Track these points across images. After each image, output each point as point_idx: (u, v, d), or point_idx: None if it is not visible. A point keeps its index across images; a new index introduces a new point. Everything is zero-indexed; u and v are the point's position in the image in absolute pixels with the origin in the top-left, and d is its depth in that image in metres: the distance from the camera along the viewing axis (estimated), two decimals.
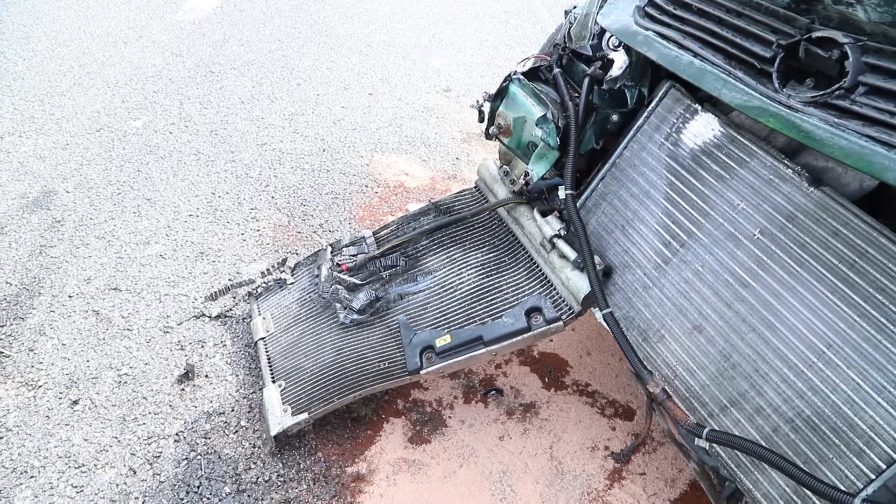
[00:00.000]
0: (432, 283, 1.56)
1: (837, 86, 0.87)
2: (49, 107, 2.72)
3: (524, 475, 1.49)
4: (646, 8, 1.20)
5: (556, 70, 1.46)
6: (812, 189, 1.10)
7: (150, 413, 1.57)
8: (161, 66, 3.10)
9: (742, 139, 1.20)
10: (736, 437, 1.08)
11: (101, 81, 2.91)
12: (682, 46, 1.11)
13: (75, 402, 1.58)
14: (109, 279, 1.93)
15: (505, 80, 1.48)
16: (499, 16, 4.03)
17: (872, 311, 1.01)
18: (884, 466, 0.97)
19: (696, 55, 1.08)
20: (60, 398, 1.58)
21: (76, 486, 1.41)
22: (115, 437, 1.51)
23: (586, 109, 1.40)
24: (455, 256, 1.58)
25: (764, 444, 1.09)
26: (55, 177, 2.32)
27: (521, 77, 1.46)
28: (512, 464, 1.51)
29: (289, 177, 2.41)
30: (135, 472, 1.45)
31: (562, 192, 1.35)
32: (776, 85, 0.95)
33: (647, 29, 1.18)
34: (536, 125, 1.37)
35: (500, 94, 1.49)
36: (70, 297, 1.86)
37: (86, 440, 1.50)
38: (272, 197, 2.30)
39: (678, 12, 1.14)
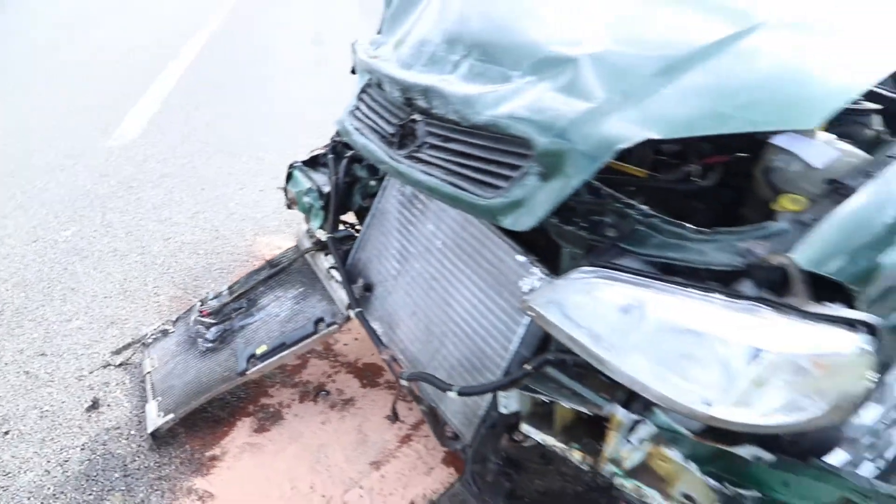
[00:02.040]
0: (263, 314, 2.17)
1: (414, 145, 1.53)
2: None
3: (336, 445, 2.05)
4: (352, 111, 1.88)
5: (330, 156, 2.13)
6: None
7: (63, 434, 2.13)
8: (90, 186, 3.77)
9: None
10: (421, 373, 1.67)
11: (38, 203, 3.56)
12: (362, 134, 1.77)
13: (6, 433, 2.13)
14: (38, 348, 2.51)
15: (290, 168, 2.16)
16: None
17: (495, 283, 1.62)
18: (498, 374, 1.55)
19: (366, 138, 1.74)
20: None
21: (3, 487, 1.95)
22: (36, 452, 2.06)
23: (346, 181, 2.06)
24: (278, 294, 2.20)
25: (447, 380, 1.68)
26: None
27: (300, 164, 2.14)
28: (328, 439, 2.08)
29: (186, 261, 3.03)
30: (49, 472, 1.99)
31: (322, 235, 2.00)
32: (395, 149, 1.60)
33: (351, 125, 1.85)
34: (305, 195, 2.03)
35: (289, 177, 2.17)
36: (6, 364, 2.43)
37: (13, 456, 2.05)
38: (171, 277, 2.92)
39: (363, 110, 1.82)
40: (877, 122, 1.50)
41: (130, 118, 4.80)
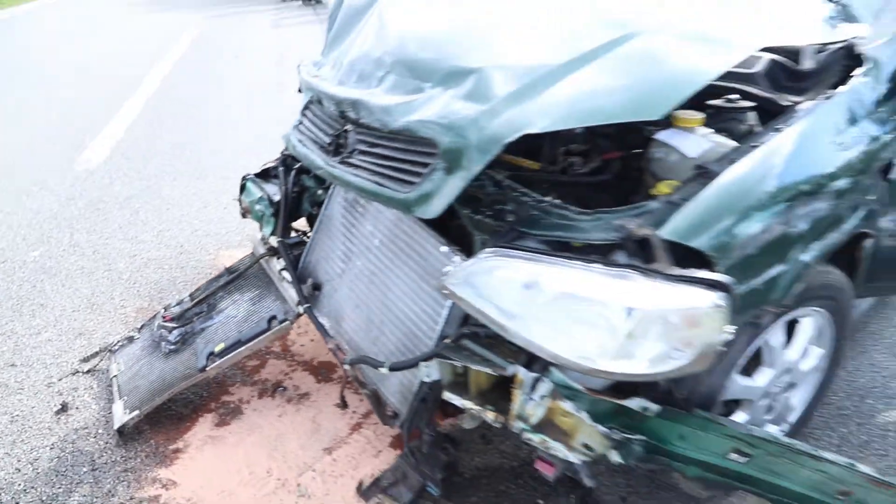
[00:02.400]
0: (222, 317, 2.33)
1: (346, 151, 1.72)
2: None
3: (292, 435, 2.21)
4: (296, 125, 2.06)
5: (280, 168, 2.31)
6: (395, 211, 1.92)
7: (33, 435, 2.26)
8: (57, 208, 3.91)
9: None
10: (360, 357, 1.84)
11: (5, 227, 3.69)
12: (304, 145, 1.96)
13: None
14: (8, 360, 2.63)
15: (243, 179, 2.33)
16: None
17: (424, 273, 1.80)
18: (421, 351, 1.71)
19: (307, 148, 1.93)
20: None
21: None
22: (7, 453, 2.19)
23: (295, 191, 2.24)
24: (236, 297, 2.37)
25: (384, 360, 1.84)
26: None
27: (253, 176, 2.32)
28: (284, 429, 2.23)
29: (152, 275, 3.18)
30: (19, 470, 2.12)
31: (273, 241, 2.18)
32: (331, 156, 1.79)
33: (295, 137, 2.03)
34: (257, 204, 2.21)
35: (242, 189, 2.34)
36: None
37: None
38: (137, 290, 3.06)
39: (306, 124, 2.01)
40: (751, 118, 1.72)
41: (96, 144, 4.94)
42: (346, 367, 1.88)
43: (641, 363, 1.28)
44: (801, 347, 1.87)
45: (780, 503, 1.64)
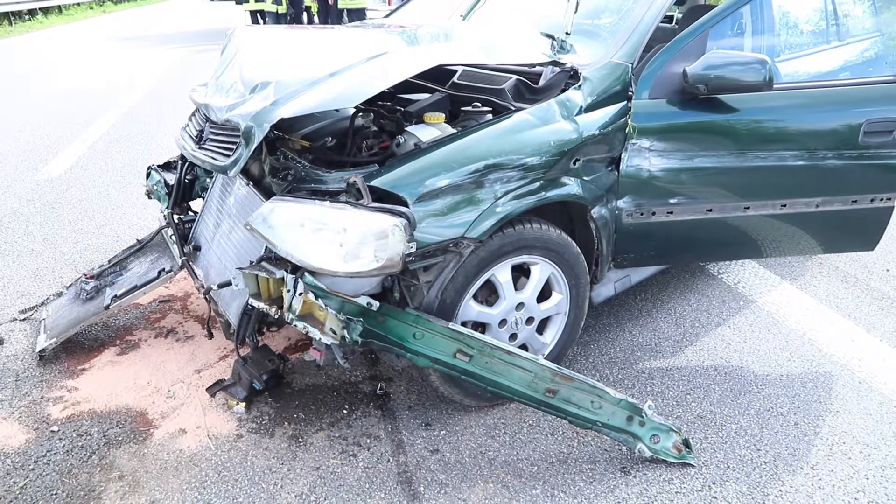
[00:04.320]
0: (129, 273, 3.05)
1: (204, 140, 2.47)
2: None
3: (174, 362, 2.90)
4: (184, 127, 2.82)
5: (178, 161, 3.06)
6: (247, 185, 2.64)
7: None
8: (17, 207, 4.63)
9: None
10: (207, 287, 2.55)
11: None
12: (184, 139, 2.71)
13: None
14: None
15: (149, 169, 3.08)
16: None
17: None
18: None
19: (184, 141, 2.68)
20: None
21: None
22: None
23: (189, 178, 2.98)
24: (141, 259, 3.09)
25: (231, 295, 2.56)
26: None
27: (156, 166, 3.07)
28: (169, 358, 2.92)
29: (89, 256, 3.89)
30: None
31: (165, 213, 2.91)
32: (196, 145, 2.53)
33: (181, 135, 2.78)
34: (155, 186, 2.95)
35: (148, 175, 3.08)
36: None
37: None
38: (75, 266, 3.76)
39: (190, 125, 2.76)
40: (487, 118, 2.45)
41: (59, 159, 5.69)
42: (205, 298, 2.59)
43: (356, 264, 2.00)
44: (532, 288, 2.53)
45: (513, 401, 2.31)
